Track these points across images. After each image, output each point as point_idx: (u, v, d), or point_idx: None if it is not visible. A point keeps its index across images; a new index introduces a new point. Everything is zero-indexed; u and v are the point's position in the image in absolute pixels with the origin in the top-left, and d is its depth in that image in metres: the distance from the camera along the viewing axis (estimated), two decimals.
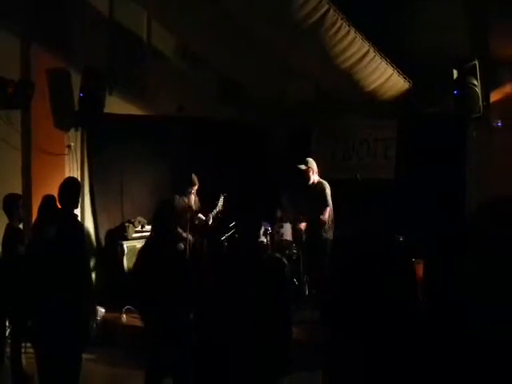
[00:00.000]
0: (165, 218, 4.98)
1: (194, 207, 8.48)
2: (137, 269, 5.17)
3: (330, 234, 8.03)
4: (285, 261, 8.04)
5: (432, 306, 5.00)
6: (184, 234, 8.32)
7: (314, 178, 8.14)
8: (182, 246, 7.50)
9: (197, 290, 4.92)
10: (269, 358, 3.74)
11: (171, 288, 4.69)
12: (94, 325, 6.06)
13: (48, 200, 5.37)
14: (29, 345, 6.01)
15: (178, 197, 8.38)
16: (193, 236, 8.43)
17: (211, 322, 3.90)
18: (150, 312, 4.86)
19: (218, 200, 8.59)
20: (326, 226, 7.98)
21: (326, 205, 8.01)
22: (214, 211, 8.57)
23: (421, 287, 6.31)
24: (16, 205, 6.19)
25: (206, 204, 8.73)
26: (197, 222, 8.53)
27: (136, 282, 5.02)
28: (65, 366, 4.86)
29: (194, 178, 8.43)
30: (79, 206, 5.87)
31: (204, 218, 8.54)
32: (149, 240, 5.27)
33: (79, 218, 6.11)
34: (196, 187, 8.44)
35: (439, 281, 4.93)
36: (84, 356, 5.10)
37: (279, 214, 9.02)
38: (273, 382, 3.86)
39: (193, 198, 8.51)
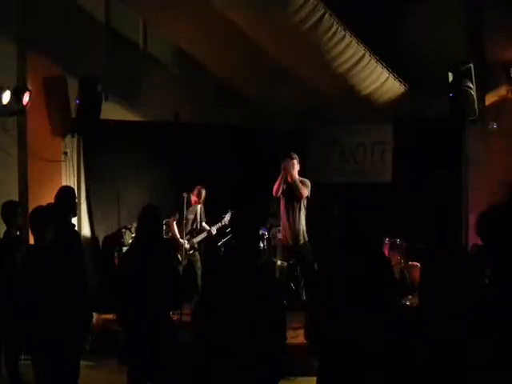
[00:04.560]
0: (148, 223, 4.95)
1: (198, 218, 8.51)
2: (118, 272, 5.17)
3: (305, 237, 8.01)
4: (283, 264, 8.12)
5: (427, 309, 5.03)
6: (181, 241, 8.34)
7: (295, 174, 8.02)
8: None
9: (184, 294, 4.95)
10: (263, 362, 3.74)
11: (153, 293, 4.67)
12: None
13: (43, 209, 5.41)
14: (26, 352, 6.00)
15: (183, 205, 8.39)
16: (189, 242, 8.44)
17: (208, 325, 3.90)
18: (130, 315, 4.83)
19: (226, 214, 8.56)
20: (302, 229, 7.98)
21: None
22: (219, 224, 8.55)
23: (417, 290, 6.35)
24: (14, 212, 6.17)
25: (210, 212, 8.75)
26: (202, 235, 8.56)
27: (116, 285, 5.00)
28: (62, 374, 4.84)
29: (202, 190, 8.42)
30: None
31: (208, 228, 8.54)
32: (132, 245, 5.25)
33: (75, 224, 6.13)
34: (202, 199, 8.46)
35: (435, 284, 4.95)
36: (82, 363, 5.09)
37: (271, 219, 9.02)
38: None
39: (198, 208, 8.51)
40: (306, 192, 7.80)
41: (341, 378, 3.52)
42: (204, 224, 8.58)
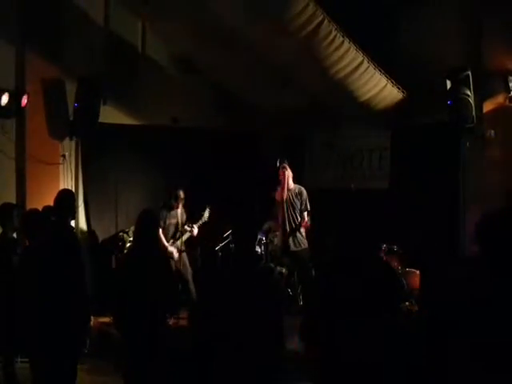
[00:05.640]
0: (146, 228, 4.95)
1: (180, 220, 8.48)
2: (115, 276, 5.18)
3: (304, 242, 8.06)
4: (281, 270, 8.13)
5: (427, 314, 5.04)
6: (170, 248, 8.32)
7: (289, 181, 8.11)
8: None
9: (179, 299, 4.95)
10: (261, 368, 3.75)
11: (150, 297, 4.67)
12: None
13: (36, 212, 5.42)
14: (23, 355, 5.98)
15: (165, 212, 8.36)
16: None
17: (205, 331, 3.90)
18: (127, 319, 4.81)
19: (204, 211, 8.54)
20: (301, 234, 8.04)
21: (306, 209, 8.05)
22: (200, 222, 8.52)
23: (416, 296, 6.36)
24: (10, 214, 6.15)
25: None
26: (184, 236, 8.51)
27: (114, 288, 5.00)
28: (60, 377, 4.84)
29: (181, 193, 8.39)
30: None
31: (189, 228, 8.50)
32: (130, 249, 5.24)
33: (74, 227, 6.11)
34: (182, 202, 8.42)
35: (434, 290, 4.97)
36: (78, 366, 5.08)
37: (270, 223, 9.03)
38: None
39: (179, 211, 8.49)
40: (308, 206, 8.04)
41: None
42: (186, 227, 8.53)
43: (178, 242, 8.41)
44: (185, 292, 8.06)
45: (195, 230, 8.47)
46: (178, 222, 8.47)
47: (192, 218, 8.59)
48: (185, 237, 8.46)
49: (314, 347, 3.65)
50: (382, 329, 3.49)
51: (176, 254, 8.36)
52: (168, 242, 8.39)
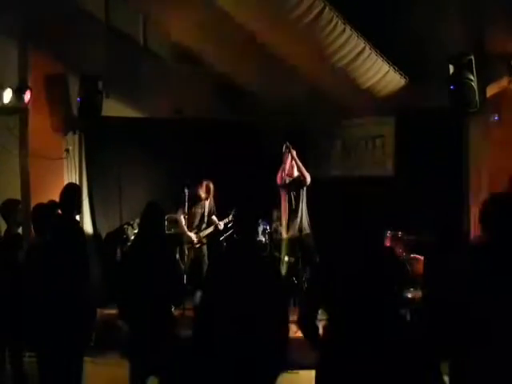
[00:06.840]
0: (151, 220, 4.97)
1: (206, 211, 8.56)
2: (120, 268, 5.23)
3: (308, 228, 8.15)
4: (287, 259, 8.14)
5: (431, 301, 5.04)
6: (189, 234, 8.37)
7: (294, 169, 8.20)
8: None
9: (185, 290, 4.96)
10: (265, 355, 3.76)
11: (155, 288, 4.69)
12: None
13: (44, 206, 5.44)
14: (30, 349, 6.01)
15: (191, 201, 8.42)
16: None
17: (210, 319, 3.92)
18: (132, 310, 4.84)
19: (233, 210, 8.59)
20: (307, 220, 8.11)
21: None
22: (227, 219, 8.60)
23: (420, 282, 6.35)
24: (14, 210, 6.17)
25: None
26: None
27: (118, 280, 5.03)
28: (66, 370, 4.87)
29: (210, 184, 8.47)
30: None
31: (217, 221, 8.59)
32: (135, 240, 5.28)
33: (79, 221, 6.14)
34: (211, 194, 8.51)
35: (438, 276, 4.95)
36: (84, 358, 5.12)
37: (276, 212, 9.04)
38: (270, 379, 3.87)
39: (207, 202, 8.54)
40: (308, 176, 8.10)
41: (337, 367, 3.51)
42: (214, 217, 8.62)
43: (201, 234, 8.50)
44: (197, 282, 8.08)
45: (221, 225, 8.56)
46: (203, 214, 8.52)
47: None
48: (209, 230, 8.55)
49: (312, 335, 3.65)
50: (383, 316, 3.49)
51: (196, 240, 8.43)
52: (191, 231, 8.46)
